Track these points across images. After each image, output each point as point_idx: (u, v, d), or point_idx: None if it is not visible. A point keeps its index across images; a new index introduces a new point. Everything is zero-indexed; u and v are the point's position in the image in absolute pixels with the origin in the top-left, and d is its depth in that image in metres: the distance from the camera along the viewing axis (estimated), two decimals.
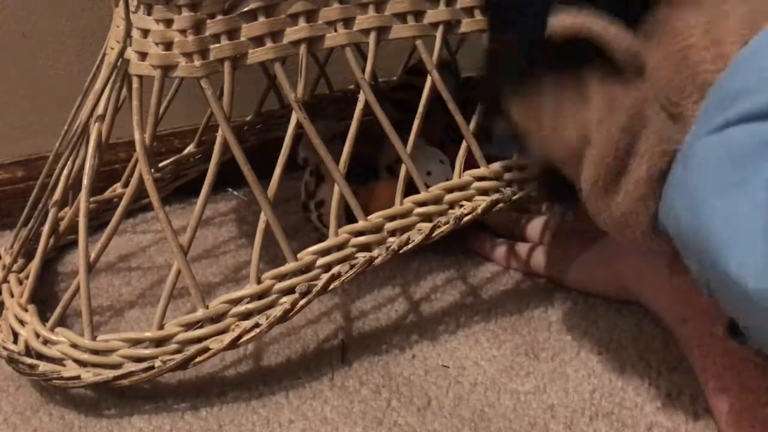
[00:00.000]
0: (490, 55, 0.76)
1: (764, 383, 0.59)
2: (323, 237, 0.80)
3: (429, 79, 0.81)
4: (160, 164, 1.10)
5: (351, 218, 0.81)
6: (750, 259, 0.51)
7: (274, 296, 0.77)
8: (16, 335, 0.83)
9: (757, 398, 0.68)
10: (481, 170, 0.84)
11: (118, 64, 0.77)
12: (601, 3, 0.62)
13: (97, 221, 1.03)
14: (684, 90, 0.60)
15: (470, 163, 0.84)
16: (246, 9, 0.73)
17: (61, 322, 0.82)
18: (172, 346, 0.76)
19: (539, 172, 0.75)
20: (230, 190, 1.15)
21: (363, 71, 0.79)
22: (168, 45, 0.74)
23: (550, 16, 0.63)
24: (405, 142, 0.81)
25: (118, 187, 1.08)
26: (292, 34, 0.76)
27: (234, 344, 0.76)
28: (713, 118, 0.56)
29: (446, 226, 0.82)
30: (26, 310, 0.84)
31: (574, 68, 0.64)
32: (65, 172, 0.86)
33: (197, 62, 0.74)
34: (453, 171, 0.87)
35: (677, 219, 0.58)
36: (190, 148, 1.13)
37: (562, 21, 0.62)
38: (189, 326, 0.76)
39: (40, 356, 0.79)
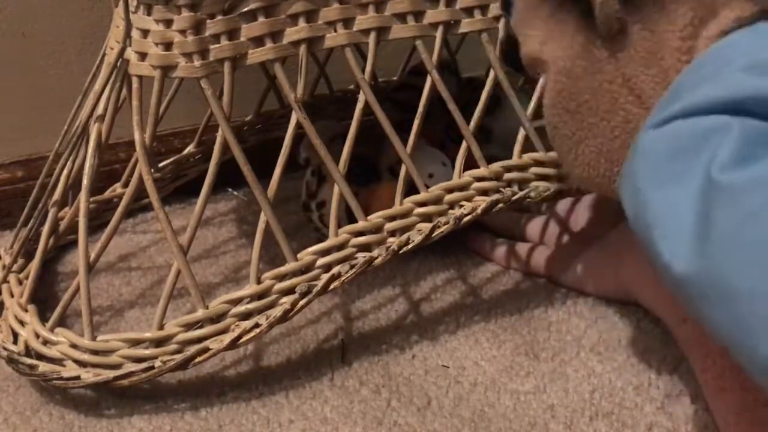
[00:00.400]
0: None
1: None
2: (324, 237, 0.80)
3: (429, 79, 0.81)
4: (160, 164, 1.10)
5: (352, 219, 0.81)
6: (679, 244, 0.53)
7: (274, 296, 0.77)
8: (15, 335, 0.83)
9: (757, 398, 0.68)
10: (481, 170, 0.84)
11: (118, 64, 0.77)
12: None
13: (97, 221, 1.03)
14: (649, 69, 0.64)
15: (470, 164, 0.84)
16: (246, 9, 0.73)
17: (61, 322, 0.82)
18: (172, 347, 0.76)
19: (507, 37, 0.79)
20: (230, 190, 1.15)
21: (363, 71, 0.79)
22: (168, 45, 0.74)
23: None
24: (406, 142, 0.81)
25: (118, 187, 1.08)
26: (292, 34, 0.76)
27: (234, 344, 0.76)
28: (661, 112, 0.58)
29: (446, 226, 0.82)
30: (26, 311, 0.84)
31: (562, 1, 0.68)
32: (65, 172, 0.86)
33: (197, 62, 0.74)
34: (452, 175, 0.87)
35: (626, 201, 0.60)
36: (190, 148, 1.13)
37: None
38: (189, 326, 0.76)
39: (40, 356, 0.79)
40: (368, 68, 0.79)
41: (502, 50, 0.83)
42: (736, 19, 0.61)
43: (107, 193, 1.08)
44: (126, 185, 1.03)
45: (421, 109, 0.81)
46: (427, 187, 0.83)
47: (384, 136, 0.80)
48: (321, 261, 0.78)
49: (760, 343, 0.50)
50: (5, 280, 0.91)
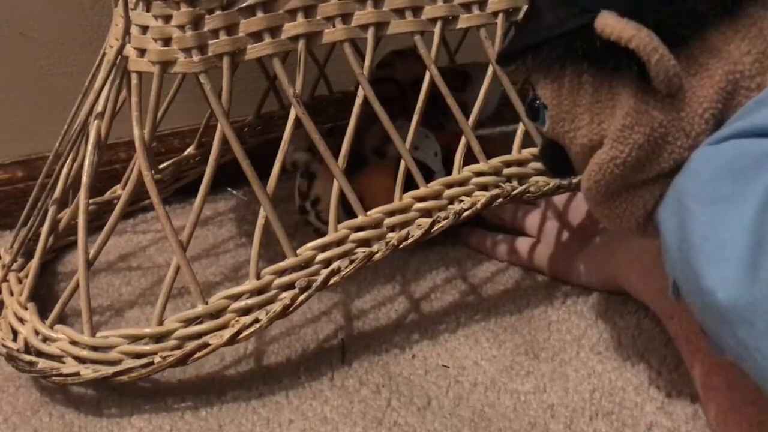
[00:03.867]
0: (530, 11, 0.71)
1: (751, 381, 0.59)
2: (324, 235, 0.80)
3: (428, 74, 0.81)
4: (160, 166, 1.10)
5: (349, 213, 0.81)
6: (729, 270, 0.52)
7: (273, 292, 0.77)
8: (15, 333, 0.83)
9: (745, 396, 0.68)
10: (481, 165, 0.84)
11: (118, 61, 0.77)
12: (651, 17, 0.60)
13: (97, 222, 1.02)
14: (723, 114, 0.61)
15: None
16: (244, 4, 0.74)
17: (61, 321, 0.82)
18: (172, 342, 0.76)
19: (545, 144, 0.75)
20: (230, 189, 1.15)
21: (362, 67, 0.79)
22: (167, 41, 0.74)
23: (598, 14, 0.61)
24: (383, 134, 0.82)
25: (118, 189, 1.08)
26: (290, 29, 0.76)
27: (233, 340, 0.76)
28: (717, 133, 0.57)
29: (446, 221, 0.82)
30: (26, 308, 0.84)
31: (611, 71, 0.63)
32: (65, 171, 0.86)
33: (196, 58, 0.74)
34: (437, 145, 0.89)
35: (666, 220, 0.59)
36: (190, 150, 1.13)
37: (606, 22, 0.60)
38: (188, 322, 0.76)
39: (40, 353, 0.79)
40: (367, 63, 0.79)
41: (543, 160, 0.79)
42: None
43: (107, 195, 1.08)
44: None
45: (420, 104, 0.81)
46: (418, 160, 0.82)
47: (362, 125, 0.81)
48: (320, 256, 0.79)
49: None
50: (5, 279, 0.91)
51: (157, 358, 0.75)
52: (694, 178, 0.57)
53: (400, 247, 0.81)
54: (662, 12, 0.60)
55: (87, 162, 0.79)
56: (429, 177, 0.84)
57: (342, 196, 0.80)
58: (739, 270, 0.52)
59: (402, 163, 0.81)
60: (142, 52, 0.75)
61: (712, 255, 0.54)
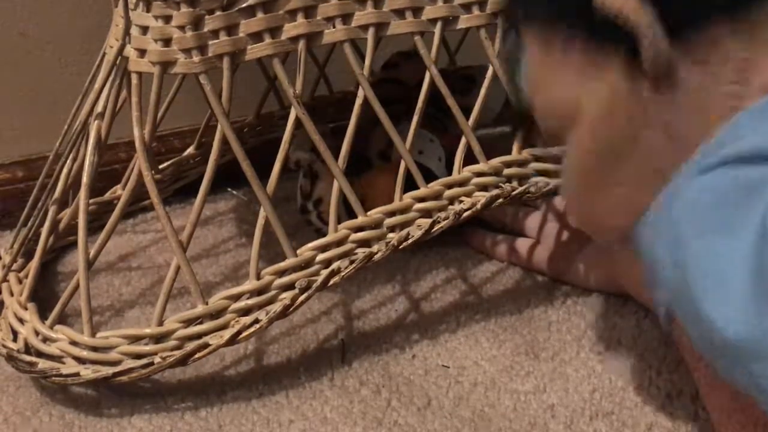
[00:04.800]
0: None
1: None
2: (325, 236, 0.80)
3: (428, 74, 0.81)
4: (160, 166, 1.10)
5: (351, 214, 0.81)
6: (733, 303, 0.51)
7: (273, 292, 0.77)
8: (15, 333, 0.83)
9: (749, 398, 0.68)
10: (481, 166, 0.84)
11: (118, 61, 0.77)
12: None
13: (98, 222, 1.02)
14: (694, 113, 0.60)
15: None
16: (244, 5, 0.74)
17: (61, 321, 0.82)
18: (172, 343, 0.76)
19: (519, 116, 0.76)
20: (230, 189, 1.15)
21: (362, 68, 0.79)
22: (167, 41, 0.74)
23: None
24: (386, 135, 0.82)
25: (118, 189, 1.08)
26: (290, 30, 0.76)
27: (234, 340, 0.76)
28: (708, 158, 0.56)
29: (446, 221, 0.82)
30: (26, 309, 0.84)
31: (604, 44, 0.62)
32: (65, 171, 0.86)
33: (196, 58, 0.74)
34: (442, 150, 0.89)
35: (659, 253, 0.58)
36: (190, 150, 1.13)
37: None
38: (188, 322, 0.76)
39: (40, 354, 0.79)
40: (367, 64, 0.79)
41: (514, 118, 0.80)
42: None
43: (107, 195, 1.08)
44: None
45: (420, 104, 0.81)
46: (421, 164, 0.82)
47: (368, 126, 0.81)
48: (320, 257, 0.79)
49: None
50: (5, 279, 0.91)
51: (157, 359, 0.75)
52: (688, 208, 0.56)
53: (400, 247, 0.81)
54: None
55: (87, 162, 0.79)
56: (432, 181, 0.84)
57: (344, 198, 0.80)
58: (745, 305, 0.51)
59: (402, 164, 0.81)
60: (142, 52, 0.75)
61: (714, 291, 0.53)
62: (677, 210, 0.57)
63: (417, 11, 0.80)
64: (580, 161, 0.67)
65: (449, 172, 0.84)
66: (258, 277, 0.77)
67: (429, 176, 0.84)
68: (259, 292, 0.77)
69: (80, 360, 0.77)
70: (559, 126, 0.67)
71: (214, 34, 0.74)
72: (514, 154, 0.85)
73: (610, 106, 0.63)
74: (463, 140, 0.83)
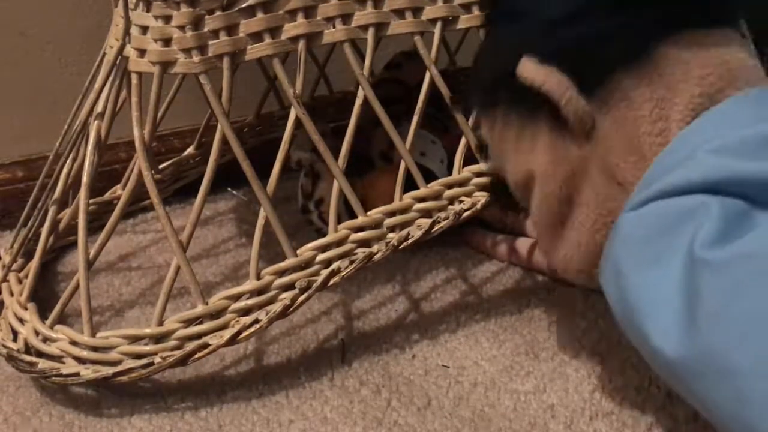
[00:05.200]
0: (477, 59, 0.79)
1: None
2: (325, 236, 0.80)
3: (427, 74, 0.81)
4: (160, 166, 1.10)
5: (352, 214, 0.81)
6: (669, 327, 0.55)
7: (273, 292, 0.77)
8: (15, 333, 0.83)
9: None
10: (481, 166, 0.84)
11: (118, 61, 0.77)
12: (566, 60, 0.66)
13: (98, 222, 1.02)
14: (627, 156, 0.65)
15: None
16: (244, 5, 0.74)
17: (61, 321, 0.82)
18: (172, 343, 0.76)
19: (494, 179, 0.80)
20: (230, 189, 1.15)
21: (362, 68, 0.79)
22: (167, 41, 0.74)
23: (522, 58, 0.67)
24: (386, 136, 0.82)
25: (118, 189, 1.08)
26: (290, 30, 0.76)
27: (234, 340, 0.76)
28: (638, 195, 0.61)
29: (446, 221, 0.82)
30: (26, 309, 0.84)
31: (531, 111, 0.68)
32: (65, 171, 0.86)
33: (196, 58, 0.74)
34: (444, 152, 0.89)
35: (607, 286, 0.64)
36: (190, 150, 1.13)
37: (525, 68, 0.67)
38: (188, 322, 0.76)
39: (40, 354, 0.79)
40: (367, 64, 0.79)
41: (492, 191, 0.84)
42: (701, 94, 0.64)
43: (107, 195, 1.08)
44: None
45: (420, 104, 0.81)
46: (423, 166, 0.83)
47: (370, 127, 0.80)
48: (320, 257, 0.79)
49: (760, 421, 0.51)
50: (5, 279, 0.91)
51: (157, 359, 0.75)
52: (624, 245, 0.61)
53: (400, 247, 0.81)
54: (578, 58, 0.66)
55: (87, 162, 0.79)
56: None
57: (346, 198, 0.80)
58: (679, 328, 0.55)
59: (402, 164, 0.81)
60: (142, 52, 0.75)
61: (651, 316, 0.57)
62: (615, 248, 0.62)
63: (417, 11, 0.80)
64: (539, 214, 0.73)
65: (450, 174, 0.84)
66: (258, 277, 0.77)
67: (431, 178, 0.83)
68: (259, 292, 0.77)
69: (80, 360, 0.77)
70: (523, 189, 0.74)
71: (214, 34, 0.74)
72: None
73: (549, 164, 0.69)
74: (463, 140, 0.83)
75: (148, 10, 0.74)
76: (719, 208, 0.56)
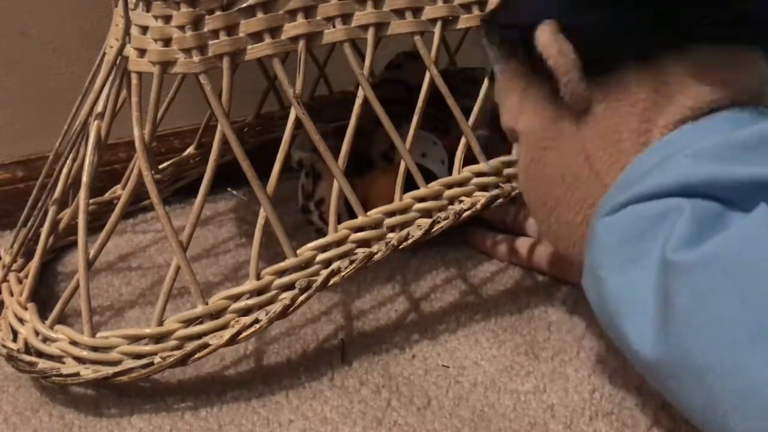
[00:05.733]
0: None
1: None
2: (326, 236, 0.80)
3: (427, 74, 0.81)
4: (160, 166, 1.10)
5: (353, 214, 0.81)
6: (645, 329, 0.57)
7: (273, 292, 0.77)
8: (15, 333, 0.83)
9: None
10: (481, 166, 0.84)
11: (118, 61, 0.77)
12: (583, 39, 0.67)
13: (98, 222, 1.02)
14: (607, 147, 0.67)
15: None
16: (244, 5, 0.74)
17: (61, 321, 0.82)
18: (172, 343, 0.76)
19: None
20: (230, 189, 1.15)
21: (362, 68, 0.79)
22: (167, 41, 0.74)
23: (542, 22, 0.68)
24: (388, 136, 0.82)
25: (118, 189, 1.08)
26: (290, 30, 0.76)
27: (233, 340, 0.76)
28: (613, 199, 0.62)
29: (445, 221, 0.82)
30: (26, 309, 0.84)
31: (539, 74, 0.70)
32: (65, 170, 0.86)
33: (196, 58, 0.74)
34: (445, 153, 0.90)
35: (588, 290, 0.65)
36: (190, 150, 1.13)
37: (542, 35, 0.68)
38: (188, 322, 0.76)
39: (40, 354, 0.79)
40: (367, 64, 0.79)
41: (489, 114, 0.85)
42: (692, 107, 0.65)
43: (107, 195, 1.08)
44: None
45: (420, 103, 0.81)
46: (424, 167, 0.83)
47: (371, 127, 0.81)
48: (320, 257, 0.79)
49: (731, 420, 0.53)
50: (5, 279, 0.91)
51: (157, 359, 0.75)
52: (601, 249, 0.62)
53: (400, 247, 0.81)
54: (595, 40, 0.67)
55: (87, 162, 0.79)
56: None
57: (346, 198, 0.80)
58: (653, 330, 0.57)
59: (402, 164, 0.81)
60: (142, 52, 0.75)
61: (629, 319, 0.59)
62: (593, 252, 0.63)
63: (417, 11, 0.80)
64: (523, 178, 0.76)
65: (451, 174, 0.84)
66: (258, 277, 0.77)
67: (431, 179, 0.83)
68: (259, 292, 0.77)
69: (80, 360, 0.77)
70: (511, 136, 0.77)
71: (214, 34, 0.74)
72: (514, 155, 0.85)
73: (539, 130, 0.72)
74: (463, 140, 0.83)
75: (148, 10, 0.74)
76: (691, 210, 0.57)
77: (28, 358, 0.79)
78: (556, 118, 0.71)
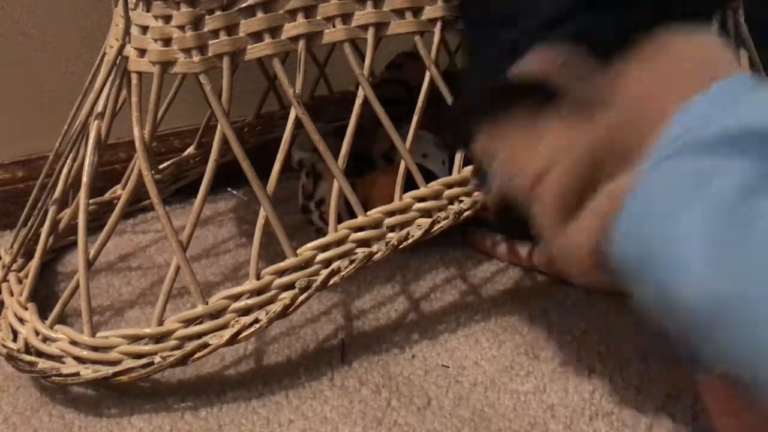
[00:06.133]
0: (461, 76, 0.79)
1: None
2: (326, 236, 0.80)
3: (427, 74, 0.81)
4: (160, 166, 1.10)
5: (353, 214, 0.81)
6: (691, 276, 0.54)
7: (273, 292, 0.77)
8: (15, 333, 0.83)
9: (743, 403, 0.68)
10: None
11: (118, 61, 0.77)
12: (576, 34, 0.66)
13: (98, 222, 1.02)
14: (644, 123, 0.64)
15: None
16: (244, 5, 0.74)
17: (61, 321, 0.82)
18: (172, 342, 0.76)
19: (495, 207, 0.79)
20: (230, 189, 1.15)
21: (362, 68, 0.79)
22: (167, 41, 0.74)
23: (517, 61, 0.66)
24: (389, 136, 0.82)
25: (118, 189, 1.08)
26: (290, 29, 0.76)
27: (233, 340, 0.76)
28: (657, 153, 0.60)
29: (446, 221, 0.82)
30: (26, 309, 0.84)
31: (537, 104, 0.67)
32: (65, 170, 0.86)
33: (196, 58, 0.74)
34: (445, 153, 0.89)
35: (622, 244, 0.61)
36: (190, 150, 1.13)
37: (531, 62, 0.66)
38: (188, 322, 0.76)
39: (40, 354, 0.79)
40: (367, 64, 0.79)
41: (501, 226, 0.84)
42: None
43: (107, 195, 1.08)
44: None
45: (420, 104, 0.81)
46: (425, 167, 0.83)
47: (372, 128, 0.81)
48: (320, 256, 0.79)
49: None
50: (5, 279, 0.91)
51: (157, 359, 0.75)
52: (647, 198, 0.59)
53: (400, 247, 0.81)
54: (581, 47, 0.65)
55: (87, 162, 0.79)
56: None
57: (347, 198, 0.80)
58: (701, 267, 0.53)
59: (402, 164, 0.81)
60: (142, 52, 0.75)
61: (672, 261, 0.55)
62: (635, 202, 0.60)
63: (417, 11, 0.80)
64: (555, 198, 0.70)
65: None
66: (258, 277, 0.77)
67: (432, 180, 0.83)
68: (259, 291, 0.77)
69: (80, 360, 0.77)
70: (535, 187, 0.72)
71: (214, 33, 0.74)
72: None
73: (565, 145, 0.68)
74: None
75: (148, 10, 0.74)
76: (742, 163, 0.55)
77: (28, 357, 0.79)
78: (576, 128, 0.67)
